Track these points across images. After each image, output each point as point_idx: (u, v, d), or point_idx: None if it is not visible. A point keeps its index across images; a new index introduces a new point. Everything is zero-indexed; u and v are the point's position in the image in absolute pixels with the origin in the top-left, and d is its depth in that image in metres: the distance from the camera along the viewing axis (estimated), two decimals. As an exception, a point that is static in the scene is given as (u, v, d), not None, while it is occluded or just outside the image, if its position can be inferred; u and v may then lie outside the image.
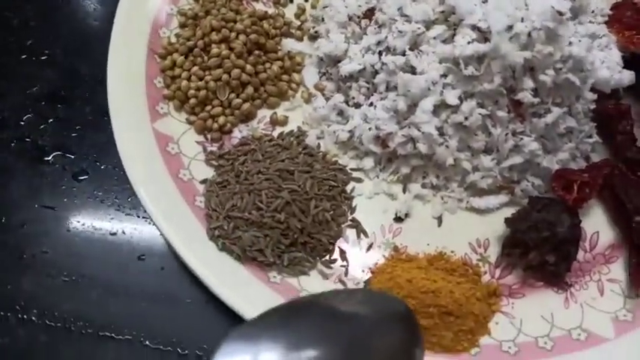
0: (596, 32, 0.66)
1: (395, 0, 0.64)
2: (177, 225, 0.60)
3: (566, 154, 0.66)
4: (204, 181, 0.64)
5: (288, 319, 0.44)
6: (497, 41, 0.57)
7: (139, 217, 0.66)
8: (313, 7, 0.77)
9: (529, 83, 0.60)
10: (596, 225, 0.66)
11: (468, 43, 0.58)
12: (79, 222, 0.66)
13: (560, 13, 0.57)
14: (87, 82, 0.75)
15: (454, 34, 0.60)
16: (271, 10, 0.77)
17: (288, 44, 0.74)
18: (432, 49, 0.61)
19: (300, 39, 0.75)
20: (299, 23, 0.76)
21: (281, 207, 0.59)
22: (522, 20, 0.57)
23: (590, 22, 0.69)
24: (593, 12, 0.70)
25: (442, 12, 0.61)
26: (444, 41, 0.61)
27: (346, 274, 0.61)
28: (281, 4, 0.78)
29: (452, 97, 0.60)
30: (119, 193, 0.68)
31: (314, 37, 0.74)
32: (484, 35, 0.58)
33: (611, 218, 0.66)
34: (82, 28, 0.81)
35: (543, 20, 0.57)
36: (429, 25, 0.62)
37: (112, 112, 0.66)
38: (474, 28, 0.58)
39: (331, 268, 0.61)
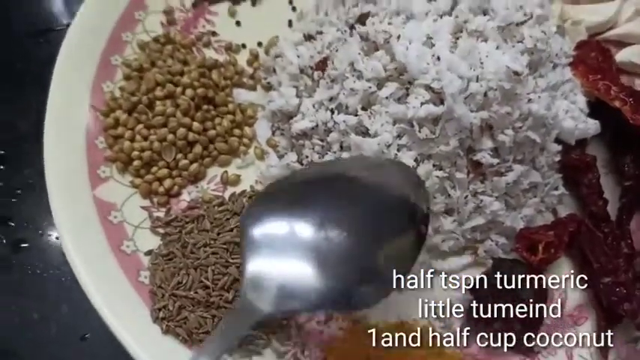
0: (559, 82, 0.63)
1: (346, 54, 0.60)
2: (117, 307, 0.56)
3: (531, 210, 0.63)
4: (149, 253, 0.60)
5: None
6: (450, 103, 0.53)
7: (82, 291, 0.62)
8: (267, 52, 0.73)
9: (488, 143, 0.57)
10: (564, 283, 0.63)
11: (422, 104, 0.55)
12: (17, 299, 0.62)
13: (517, 73, 0.53)
14: (28, 140, 0.71)
15: (408, 94, 0.57)
16: (222, 58, 0.73)
17: (240, 95, 0.70)
18: (385, 109, 0.57)
19: (253, 88, 0.71)
20: (251, 71, 0.72)
21: (229, 284, 0.56)
22: (477, 80, 0.54)
23: (553, 64, 0.66)
24: (557, 55, 0.67)
25: (395, 68, 0.57)
26: (398, 99, 0.57)
27: (303, 351, 0.57)
28: (232, 50, 0.73)
29: (407, 159, 0.57)
30: (63, 265, 0.63)
31: (267, 87, 0.70)
32: (438, 96, 0.54)
33: (580, 273, 0.63)
34: (22, 79, 0.76)
35: (499, 80, 0.54)
36: (381, 82, 0.58)
37: (49, 180, 0.61)
38: (428, 88, 0.55)
39: (287, 345, 0.58)
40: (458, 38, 0.56)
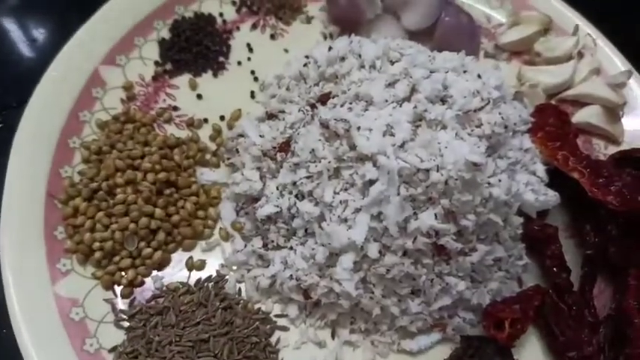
0: (518, 157, 0.64)
1: (307, 142, 0.60)
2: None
3: (496, 283, 0.63)
4: (113, 349, 0.59)
5: None
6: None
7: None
8: (230, 127, 0.73)
9: (451, 228, 0.57)
10: (532, 354, 0.64)
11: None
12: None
13: (475, 164, 0.54)
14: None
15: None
16: (184, 134, 0.72)
17: (204, 176, 0.69)
18: (352, 197, 0.57)
19: (216, 165, 0.70)
20: (215, 147, 0.72)
21: (195, 386, 0.55)
22: (437, 169, 0.55)
23: (513, 132, 0.67)
24: (515, 124, 0.68)
25: (356, 157, 0.57)
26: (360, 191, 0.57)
27: None
28: (194, 125, 0.73)
29: (373, 250, 0.57)
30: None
31: (231, 165, 0.70)
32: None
33: (547, 346, 0.64)
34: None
35: (458, 170, 0.54)
36: (342, 165, 0.58)
37: (6, 281, 0.59)
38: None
39: None
40: (417, 127, 0.57)
